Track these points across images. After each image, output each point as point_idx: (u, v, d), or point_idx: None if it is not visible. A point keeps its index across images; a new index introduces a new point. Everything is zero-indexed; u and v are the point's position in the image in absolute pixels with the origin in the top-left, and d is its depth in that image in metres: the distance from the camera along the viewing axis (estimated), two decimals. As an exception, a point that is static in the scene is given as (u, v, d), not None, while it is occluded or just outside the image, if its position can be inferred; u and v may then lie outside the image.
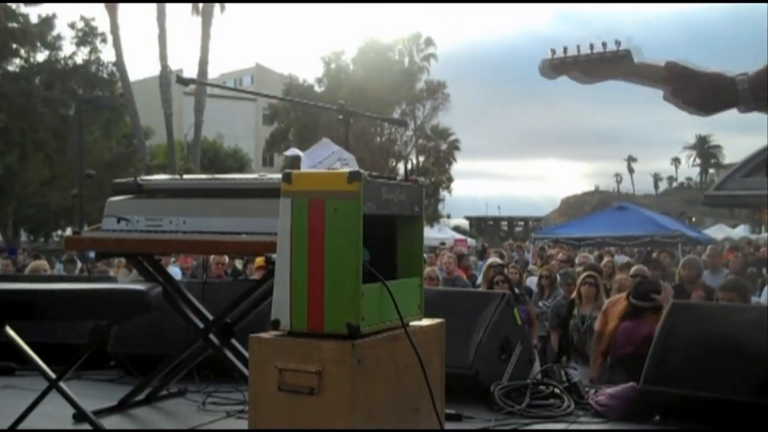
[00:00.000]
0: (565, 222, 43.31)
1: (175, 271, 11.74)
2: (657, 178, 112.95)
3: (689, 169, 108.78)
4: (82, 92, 35.88)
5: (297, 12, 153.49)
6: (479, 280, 12.58)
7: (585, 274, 8.25)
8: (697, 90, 2.08)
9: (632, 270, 8.79)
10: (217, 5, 35.70)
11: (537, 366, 5.19)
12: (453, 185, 53.68)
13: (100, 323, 3.72)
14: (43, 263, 10.93)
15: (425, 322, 3.16)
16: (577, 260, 13.42)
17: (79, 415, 3.66)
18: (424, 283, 3.38)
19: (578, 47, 2.10)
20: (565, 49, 2.11)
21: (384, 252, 3.04)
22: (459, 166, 56.37)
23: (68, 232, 5.36)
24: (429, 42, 52.05)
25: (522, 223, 77.04)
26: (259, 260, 9.22)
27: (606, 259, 12.62)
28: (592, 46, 2.09)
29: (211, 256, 11.06)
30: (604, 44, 2.07)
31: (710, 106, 2.09)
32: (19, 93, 33.92)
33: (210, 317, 4.21)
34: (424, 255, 3.90)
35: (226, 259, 11.54)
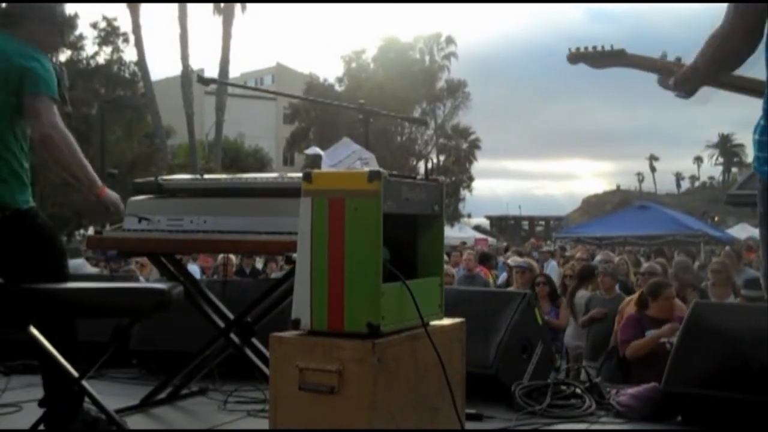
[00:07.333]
0: (587, 221, 43.13)
1: (194, 269, 11.79)
2: (679, 177, 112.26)
3: (712, 168, 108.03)
4: (104, 92, 36.09)
5: (318, 11, 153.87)
6: (500, 279, 12.60)
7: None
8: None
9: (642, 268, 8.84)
10: (238, 5, 35.69)
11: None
12: (473, 184, 53.38)
13: (122, 322, 3.74)
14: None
15: (446, 321, 3.16)
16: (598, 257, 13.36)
17: (102, 414, 3.67)
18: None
19: (588, 46, 3.07)
20: (578, 48, 3.09)
21: (404, 251, 3.03)
22: (479, 165, 55.88)
23: (90, 231, 5.39)
24: (449, 41, 51.88)
25: (543, 222, 76.58)
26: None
27: (620, 257, 12.57)
28: (596, 47, 3.06)
29: (219, 257, 11.17)
30: (603, 45, 3.06)
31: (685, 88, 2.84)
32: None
33: (231, 316, 4.22)
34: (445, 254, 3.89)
35: (233, 259, 11.68)
